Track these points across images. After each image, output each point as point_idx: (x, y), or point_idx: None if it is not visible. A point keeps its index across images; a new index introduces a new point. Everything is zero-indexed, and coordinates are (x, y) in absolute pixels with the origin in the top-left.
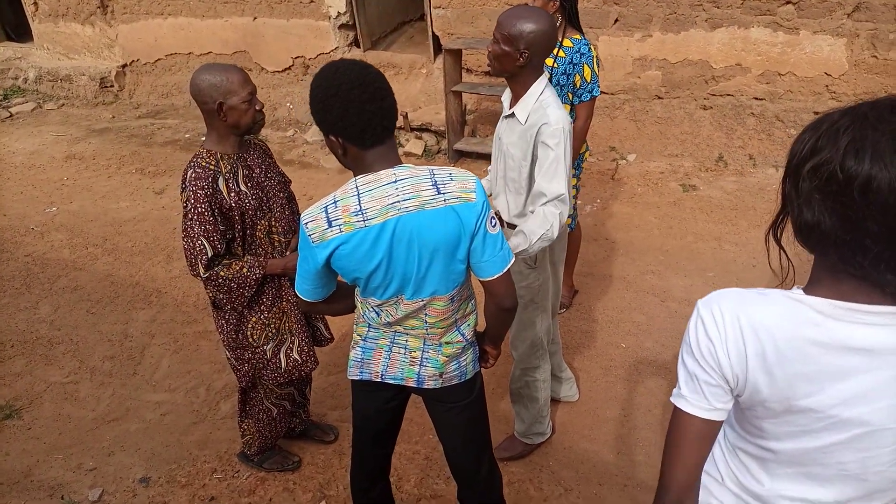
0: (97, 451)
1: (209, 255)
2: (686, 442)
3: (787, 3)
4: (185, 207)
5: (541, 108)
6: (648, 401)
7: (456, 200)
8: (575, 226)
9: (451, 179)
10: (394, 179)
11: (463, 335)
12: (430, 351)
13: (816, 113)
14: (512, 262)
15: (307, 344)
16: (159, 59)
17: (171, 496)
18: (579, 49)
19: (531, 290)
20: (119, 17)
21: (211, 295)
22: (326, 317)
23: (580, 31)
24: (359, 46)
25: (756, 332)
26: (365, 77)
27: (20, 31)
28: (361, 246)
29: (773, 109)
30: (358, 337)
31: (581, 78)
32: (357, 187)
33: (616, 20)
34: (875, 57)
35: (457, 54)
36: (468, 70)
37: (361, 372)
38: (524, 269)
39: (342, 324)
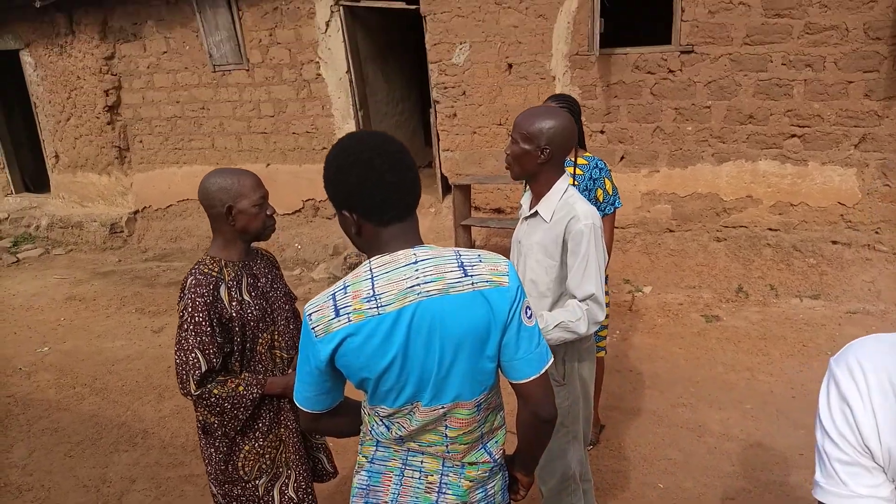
0: None
1: (203, 369)
2: None
3: (793, 136)
4: (181, 317)
5: (567, 205)
6: None
7: (486, 284)
8: (604, 352)
9: (480, 261)
10: (414, 260)
11: (490, 454)
12: (451, 474)
13: (834, 242)
14: (551, 361)
15: (305, 480)
16: (171, 205)
17: None
18: (596, 164)
19: (560, 412)
20: (136, 166)
21: (201, 418)
22: (331, 447)
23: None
24: None
25: None
26: (387, 146)
27: (39, 182)
28: (373, 337)
29: (790, 240)
30: (363, 459)
31: (603, 192)
32: (371, 269)
33: (622, 157)
34: (888, 186)
35: (466, 190)
36: (476, 208)
37: (367, 502)
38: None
39: (347, 458)
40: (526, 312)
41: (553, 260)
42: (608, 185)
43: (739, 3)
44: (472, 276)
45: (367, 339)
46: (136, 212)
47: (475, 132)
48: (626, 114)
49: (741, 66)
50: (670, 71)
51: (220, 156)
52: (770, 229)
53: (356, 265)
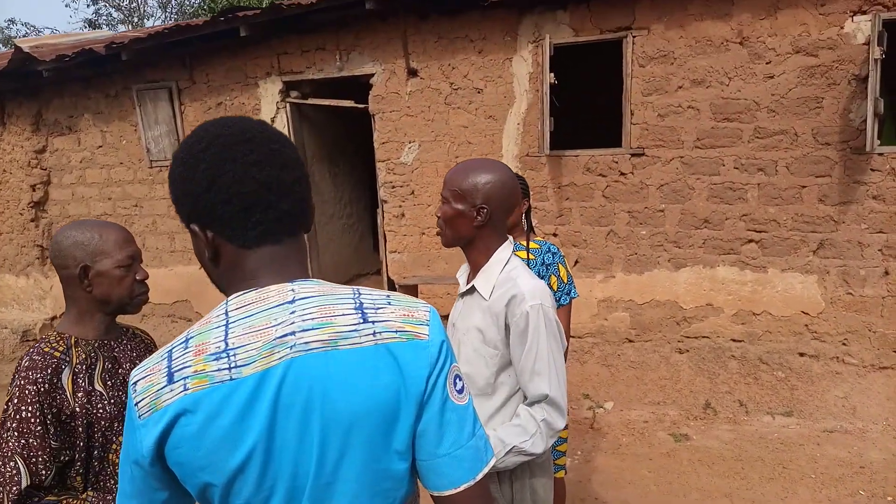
0: None
1: (23, 485)
2: None
3: (750, 241)
4: (4, 411)
5: (510, 279)
6: None
7: (395, 336)
8: (563, 472)
9: (389, 304)
10: (290, 298)
11: None
12: None
13: (802, 354)
14: (493, 462)
15: None
16: None
17: None
18: (548, 249)
19: None
20: None
21: None
22: None
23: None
24: None
25: None
26: (259, 132)
27: None
28: (221, 416)
29: (755, 351)
30: None
31: (557, 279)
32: (226, 312)
33: (577, 262)
34: (851, 294)
35: (412, 292)
36: None
37: None
38: None
39: None
40: (455, 383)
41: (494, 348)
42: (563, 273)
43: (689, 107)
44: (374, 323)
45: (210, 420)
46: (53, 318)
47: (424, 233)
48: (578, 216)
49: (693, 170)
50: (622, 174)
51: (151, 256)
52: (734, 340)
53: None
